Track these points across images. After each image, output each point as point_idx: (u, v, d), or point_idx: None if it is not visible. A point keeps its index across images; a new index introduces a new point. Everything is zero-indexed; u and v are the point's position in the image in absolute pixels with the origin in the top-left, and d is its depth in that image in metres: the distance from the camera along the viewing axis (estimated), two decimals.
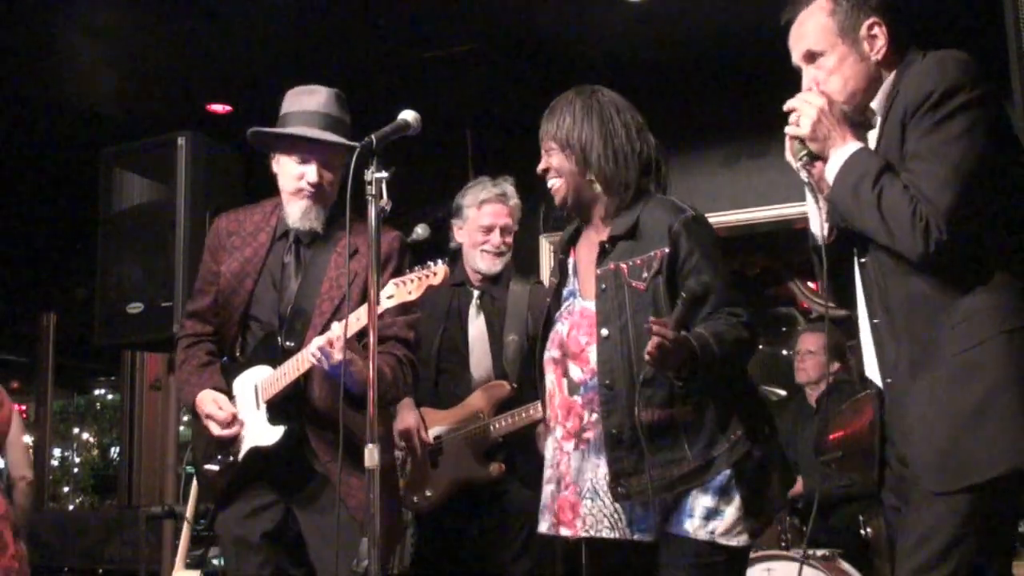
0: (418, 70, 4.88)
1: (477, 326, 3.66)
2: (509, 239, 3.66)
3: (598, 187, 2.50)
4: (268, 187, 2.96)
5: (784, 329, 8.67)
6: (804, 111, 2.16)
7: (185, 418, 7.10)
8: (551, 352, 2.54)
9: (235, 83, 5.04)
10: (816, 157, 2.19)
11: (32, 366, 8.48)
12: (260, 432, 2.79)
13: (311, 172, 2.81)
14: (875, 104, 2.19)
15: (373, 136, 2.28)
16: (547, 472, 2.52)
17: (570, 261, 2.62)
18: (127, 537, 5.23)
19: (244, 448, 2.81)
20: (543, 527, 2.50)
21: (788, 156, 2.24)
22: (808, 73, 2.23)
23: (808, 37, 2.21)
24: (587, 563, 2.53)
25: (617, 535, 2.36)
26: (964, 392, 1.97)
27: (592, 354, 2.42)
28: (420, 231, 3.54)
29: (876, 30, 2.18)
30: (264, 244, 2.90)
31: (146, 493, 6.56)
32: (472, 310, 3.66)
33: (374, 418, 2.21)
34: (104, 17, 4.44)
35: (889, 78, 2.18)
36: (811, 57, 2.22)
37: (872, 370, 2.22)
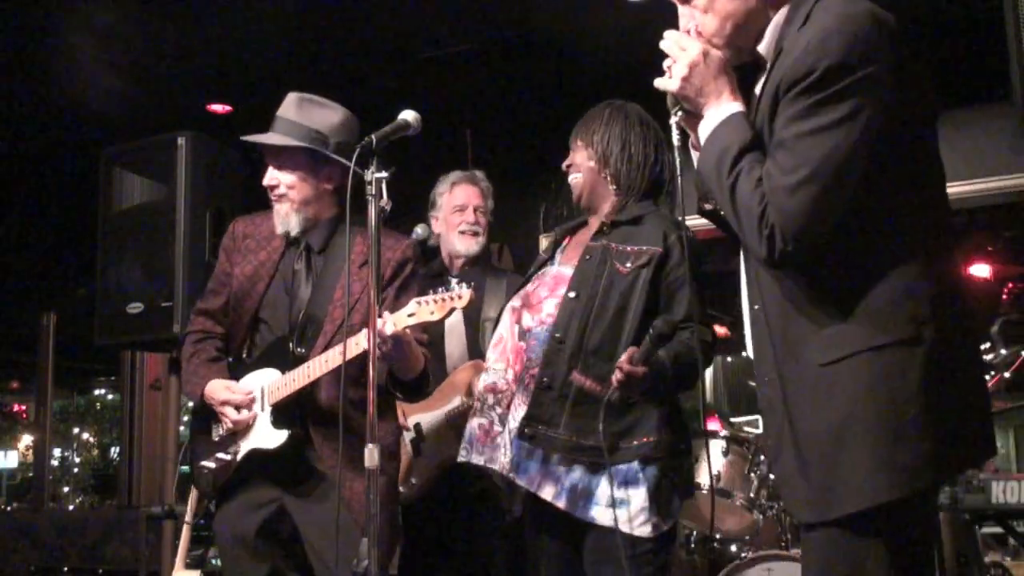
0: (418, 70, 4.88)
1: (453, 314, 3.66)
2: (483, 219, 3.73)
3: (612, 185, 2.70)
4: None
5: None
6: (677, 60, 1.84)
7: (185, 418, 7.10)
8: (513, 302, 2.73)
9: (235, 83, 5.04)
10: (691, 111, 1.88)
11: (32, 366, 8.48)
12: (262, 434, 2.80)
13: (267, 176, 2.86)
14: (763, 47, 1.87)
15: (373, 136, 2.29)
16: (475, 404, 2.68)
17: (563, 243, 2.83)
18: (127, 537, 5.24)
19: (244, 449, 2.81)
20: (478, 460, 2.64)
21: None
22: (684, 13, 1.90)
23: None
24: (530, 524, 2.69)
25: (504, 471, 2.56)
26: (822, 412, 1.72)
27: (547, 305, 2.62)
28: (420, 231, 3.55)
29: None
30: (278, 249, 2.93)
31: (146, 493, 6.56)
32: None
33: (374, 418, 2.21)
34: (104, 17, 4.44)
35: (777, 17, 1.83)
36: None
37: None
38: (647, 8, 4.49)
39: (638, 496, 2.46)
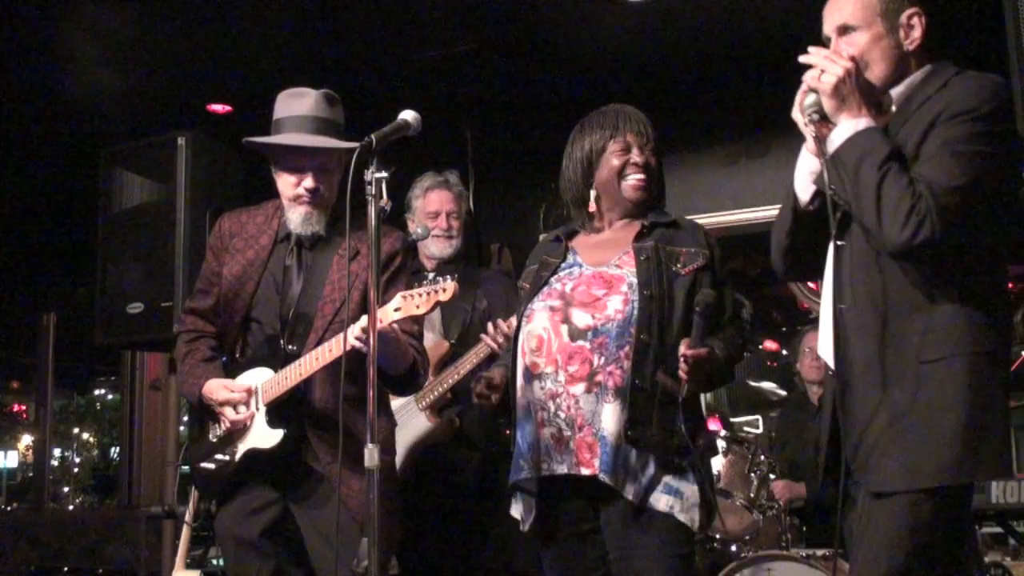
0: (418, 70, 4.88)
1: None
2: (456, 223, 3.78)
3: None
4: (268, 187, 2.96)
5: (784, 329, 8.67)
6: (829, 68, 2.09)
7: (185, 418, 7.10)
8: (548, 302, 2.64)
9: (235, 83, 5.03)
10: (825, 117, 2.12)
11: (32, 366, 8.49)
12: (259, 434, 2.79)
13: (308, 180, 2.79)
14: (895, 92, 2.16)
15: (373, 136, 2.28)
16: (539, 415, 2.59)
17: (567, 247, 2.78)
18: (127, 537, 5.24)
19: (241, 449, 2.81)
20: (562, 469, 2.56)
21: (795, 111, 2.18)
22: (836, 45, 2.18)
23: (846, 9, 2.17)
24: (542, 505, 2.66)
25: (595, 474, 2.52)
26: (920, 404, 2.01)
27: (612, 303, 2.57)
28: (419, 231, 3.55)
29: (915, 20, 2.16)
30: (266, 247, 2.89)
31: (146, 493, 6.56)
32: None
33: (374, 418, 2.21)
34: (104, 17, 4.44)
35: (916, 75, 2.15)
36: (844, 30, 2.17)
37: (827, 353, 2.21)
38: (647, 8, 4.51)
39: (693, 490, 2.55)
